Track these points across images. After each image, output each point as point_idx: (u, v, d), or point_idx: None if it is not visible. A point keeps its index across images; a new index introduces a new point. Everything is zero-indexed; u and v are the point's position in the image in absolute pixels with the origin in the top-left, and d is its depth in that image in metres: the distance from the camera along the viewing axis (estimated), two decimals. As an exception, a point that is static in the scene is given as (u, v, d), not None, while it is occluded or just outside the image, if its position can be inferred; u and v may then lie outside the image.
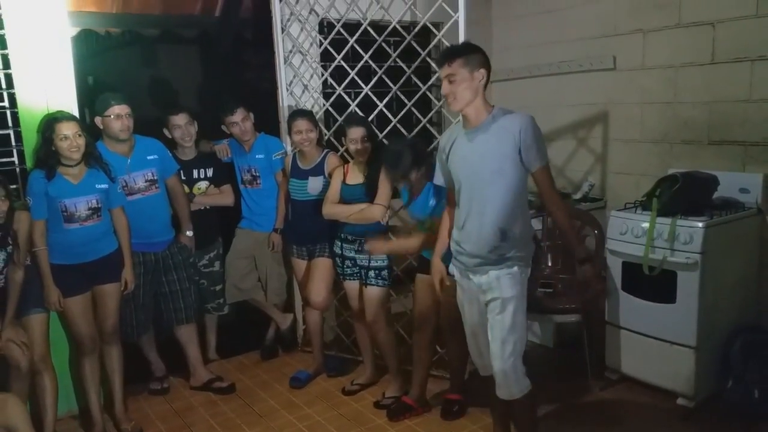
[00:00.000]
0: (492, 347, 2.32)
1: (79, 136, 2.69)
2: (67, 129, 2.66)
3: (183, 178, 3.34)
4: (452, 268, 2.48)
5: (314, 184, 3.24)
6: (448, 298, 2.82)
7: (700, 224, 2.82)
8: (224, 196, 3.51)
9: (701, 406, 2.92)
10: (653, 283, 2.94)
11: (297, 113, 3.28)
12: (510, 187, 2.23)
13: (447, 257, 2.53)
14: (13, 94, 2.89)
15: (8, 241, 2.53)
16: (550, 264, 3.46)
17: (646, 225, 2.97)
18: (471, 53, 2.25)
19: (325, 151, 3.32)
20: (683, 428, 2.82)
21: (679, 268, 2.87)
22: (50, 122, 2.68)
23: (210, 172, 3.47)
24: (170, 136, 3.34)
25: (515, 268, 2.28)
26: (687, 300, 2.86)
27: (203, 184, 3.46)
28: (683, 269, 2.85)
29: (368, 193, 3.01)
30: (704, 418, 2.86)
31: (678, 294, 2.88)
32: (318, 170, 3.25)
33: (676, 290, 2.89)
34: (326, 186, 3.20)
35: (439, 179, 2.50)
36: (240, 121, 3.39)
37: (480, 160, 2.25)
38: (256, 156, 3.49)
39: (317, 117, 3.64)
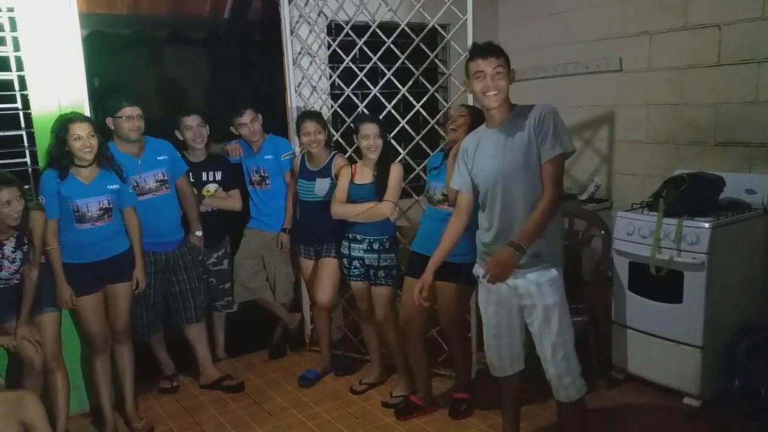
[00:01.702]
0: (544, 353, 2.28)
1: (92, 136, 2.72)
2: (81, 129, 2.69)
3: (192, 180, 3.36)
4: (477, 270, 2.44)
5: (321, 186, 3.27)
6: (447, 301, 2.84)
7: (707, 225, 2.84)
8: (233, 201, 3.53)
9: (707, 406, 2.93)
10: (660, 283, 2.95)
11: (305, 115, 3.31)
12: (539, 179, 2.20)
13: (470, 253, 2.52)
14: (26, 95, 2.92)
15: (24, 240, 2.56)
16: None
17: (652, 225, 2.98)
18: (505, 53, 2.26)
19: (333, 152, 3.34)
20: (690, 428, 2.84)
21: (685, 268, 2.88)
22: (64, 122, 2.71)
23: (219, 175, 3.49)
24: (181, 138, 3.36)
25: (554, 272, 2.24)
26: (693, 300, 2.87)
27: (212, 187, 3.48)
28: (690, 269, 2.87)
29: (377, 192, 3.02)
30: (710, 418, 2.88)
31: (684, 294, 2.90)
32: (325, 172, 3.27)
33: (683, 290, 2.91)
34: (333, 187, 3.21)
35: (456, 183, 2.44)
36: (249, 122, 3.41)
37: (506, 156, 2.23)
38: (265, 156, 3.51)
39: (325, 118, 3.67)
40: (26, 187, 2.77)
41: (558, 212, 2.28)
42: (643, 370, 3.15)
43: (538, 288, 2.23)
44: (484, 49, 2.22)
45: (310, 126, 3.20)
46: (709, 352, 2.89)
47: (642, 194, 3.41)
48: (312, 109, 3.55)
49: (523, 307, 2.30)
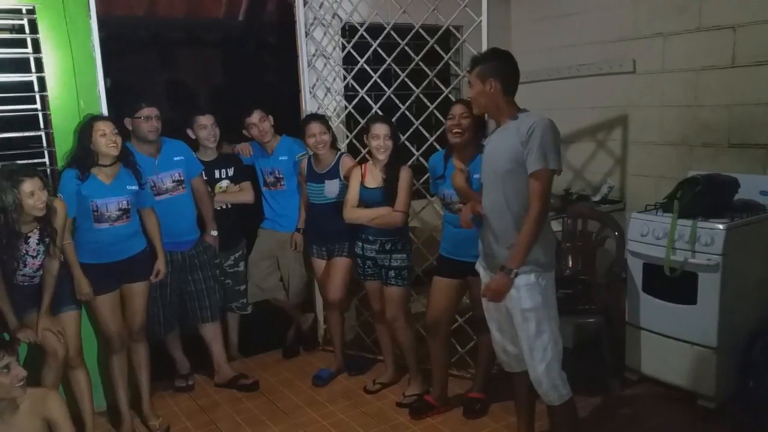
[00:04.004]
0: (525, 356, 2.34)
1: (116, 134, 2.78)
2: (105, 126, 2.75)
3: (205, 178, 3.39)
4: (478, 266, 2.52)
5: (331, 188, 3.28)
6: (480, 297, 2.85)
7: (721, 226, 2.84)
8: (244, 194, 3.55)
9: (722, 407, 2.93)
10: (674, 284, 2.96)
11: (310, 117, 3.33)
12: (524, 187, 2.24)
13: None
14: (45, 96, 2.96)
15: (45, 233, 2.58)
16: (570, 265, 3.49)
17: (667, 227, 2.99)
18: (486, 63, 2.29)
19: (339, 153, 3.35)
20: (704, 429, 2.84)
21: (700, 269, 2.89)
22: (90, 120, 2.78)
23: (231, 172, 3.52)
24: (194, 137, 3.40)
25: (532, 277, 2.25)
26: (708, 301, 2.88)
27: (224, 183, 3.52)
28: (704, 271, 2.87)
29: (387, 196, 3.04)
30: (725, 419, 2.87)
31: (699, 295, 2.90)
32: (333, 173, 3.29)
33: (697, 291, 2.91)
34: (342, 188, 3.23)
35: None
36: (257, 121, 3.44)
37: (496, 159, 2.30)
38: (280, 158, 3.54)
39: (339, 119, 3.70)
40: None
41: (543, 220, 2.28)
42: (657, 372, 3.15)
43: (516, 292, 2.27)
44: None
45: (314, 127, 3.22)
46: (724, 353, 2.89)
47: (655, 196, 3.42)
48: (316, 112, 3.56)
49: (510, 308, 2.34)
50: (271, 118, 3.50)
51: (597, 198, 3.93)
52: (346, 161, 3.29)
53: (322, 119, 3.30)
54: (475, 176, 2.72)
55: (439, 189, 2.99)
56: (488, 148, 2.40)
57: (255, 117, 3.44)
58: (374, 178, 3.09)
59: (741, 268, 2.91)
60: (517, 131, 2.23)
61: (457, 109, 2.78)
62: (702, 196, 2.95)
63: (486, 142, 2.50)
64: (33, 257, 2.59)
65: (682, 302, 2.97)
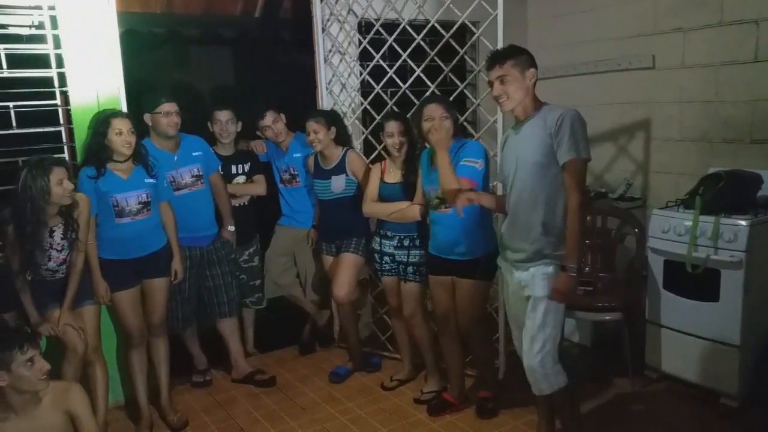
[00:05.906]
0: (523, 343, 2.36)
1: (132, 133, 2.77)
2: (122, 125, 2.75)
3: (222, 173, 3.39)
4: (500, 260, 2.52)
5: (337, 183, 3.28)
6: (465, 297, 2.81)
7: (744, 223, 2.81)
8: (256, 186, 3.53)
9: (745, 406, 2.89)
10: (696, 281, 2.92)
11: (309, 115, 3.29)
12: (552, 180, 2.24)
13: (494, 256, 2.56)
14: (66, 92, 2.97)
15: (70, 227, 2.59)
16: (589, 262, 3.46)
17: (688, 223, 2.95)
18: (520, 54, 2.29)
19: (345, 149, 3.34)
20: (726, 428, 2.80)
21: (722, 266, 2.85)
22: (106, 117, 2.77)
23: (247, 167, 3.53)
24: (212, 130, 3.40)
25: (551, 268, 2.28)
26: (731, 298, 2.84)
27: (241, 179, 3.52)
28: (727, 267, 2.83)
29: (406, 191, 3.03)
30: (748, 418, 2.83)
31: (722, 292, 2.86)
32: (339, 169, 3.28)
33: (720, 289, 2.87)
34: (349, 183, 3.24)
35: (500, 174, 2.53)
36: (271, 123, 3.45)
37: (523, 153, 2.29)
38: (294, 155, 3.54)
39: (355, 116, 3.69)
40: None
41: (586, 209, 2.32)
42: (678, 370, 3.11)
43: (532, 279, 2.30)
44: (489, 60, 2.33)
45: (310, 126, 3.21)
46: (747, 351, 2.85)
47: (675, 193, 3.38)
48: (320, 108, 3.54)
49: (526, 298, 2.35)
50: (283, 116, 3.51)
51: (615, 195, 3.89)
52: (353, 157, 3.29)
53: (318, 116, 3.26)
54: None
55: (425, 185, 2.89)
56: (511, 143, 2.38)
57: (268, 119, 3.44)
58: (393, 174, 3.09)
59: (765, 264, 2.86)
60: (545, 123, 2.23)
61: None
62: (725, 192, 2.91)
63: (506, 137, 2.48)
64: (58, 251, 2.61)
65: (704, 299, 2.94)
